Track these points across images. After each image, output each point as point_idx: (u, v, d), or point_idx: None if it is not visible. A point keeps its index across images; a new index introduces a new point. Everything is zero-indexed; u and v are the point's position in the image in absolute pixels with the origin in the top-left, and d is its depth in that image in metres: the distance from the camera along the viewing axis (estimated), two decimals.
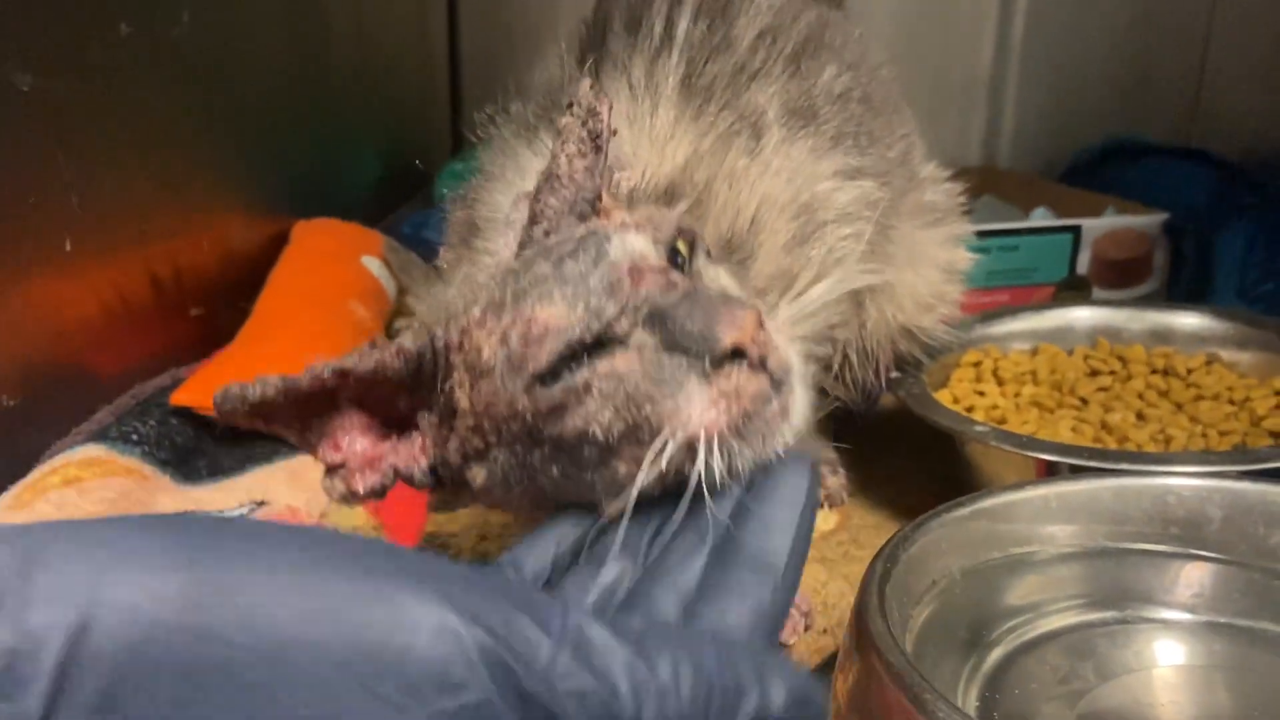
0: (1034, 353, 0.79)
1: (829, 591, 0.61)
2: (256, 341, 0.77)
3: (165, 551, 0.26)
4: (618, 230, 0.41)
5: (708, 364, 0.36)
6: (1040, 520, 0.52)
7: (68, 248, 0.68)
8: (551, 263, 0.39)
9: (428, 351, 0.40)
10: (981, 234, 0.99)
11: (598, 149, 0.43)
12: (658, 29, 0.60)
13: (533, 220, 0.43)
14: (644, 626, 0.29)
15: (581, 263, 0.39)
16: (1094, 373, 0.76)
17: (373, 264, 0.92)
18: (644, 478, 0.37)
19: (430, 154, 1.38)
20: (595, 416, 0.37)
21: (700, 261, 0.43)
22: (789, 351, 0.39)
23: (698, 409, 0.36)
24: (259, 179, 0.95)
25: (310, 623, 0.26)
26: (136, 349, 0.77)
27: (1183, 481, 0.52)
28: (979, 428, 0.64)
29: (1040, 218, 1.10)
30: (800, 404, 0.39)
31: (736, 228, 0.53)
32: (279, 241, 0.94)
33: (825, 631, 0.58)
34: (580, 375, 0.37)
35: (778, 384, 0.37)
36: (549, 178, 0.43)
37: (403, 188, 1.30)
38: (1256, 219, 0.96)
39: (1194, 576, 0.50)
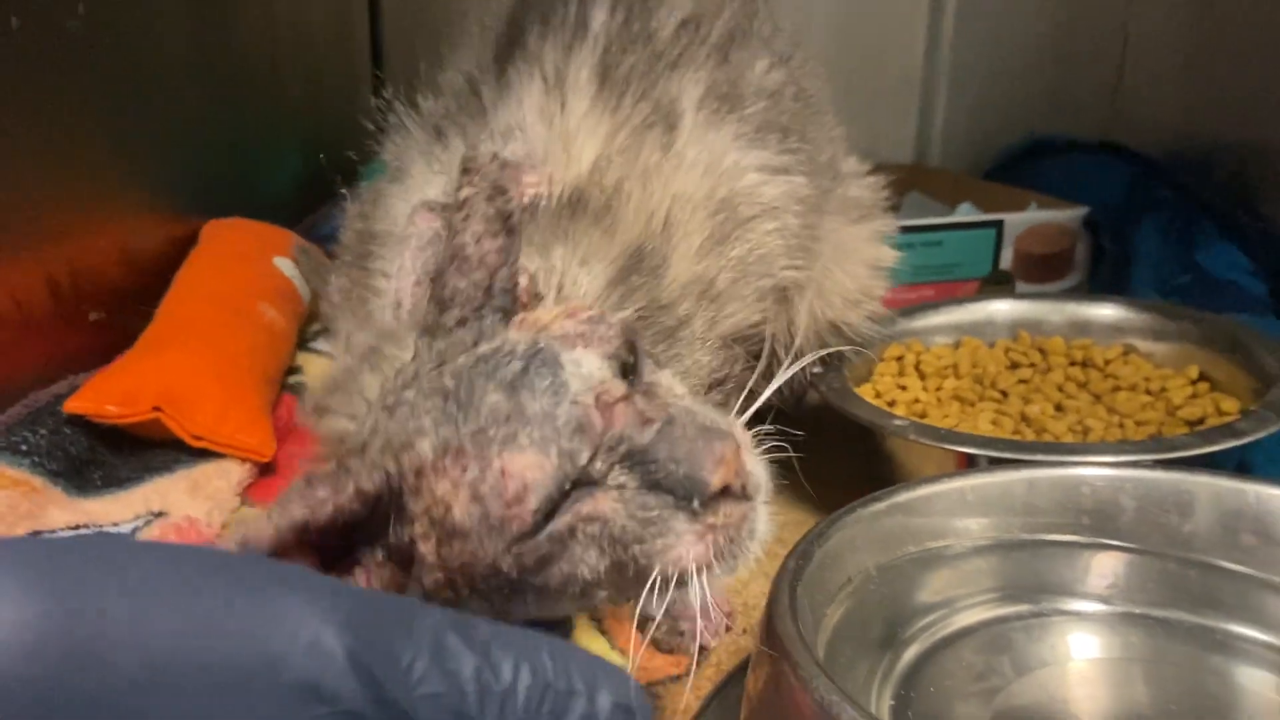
0: (956, 346, 0.79)
1: (750, 591, 0.59)
2: (159, 346, 0.73)
3: (23, 576, 0.25)
4: (562, 344, 0.39)
5: (696, 504, 0.37)
6: (955, 513, 0.51)
7: None
8: (503, 392, 0.37)
9: (385, 493, 0.38)
10: (906, 229, 0.99)
11: (509, 231, 0.41)
12: (572, 20, 0.58)
13: (440, 305, 0.41)
14: (490, 633, 0.30)
15: (540, 396, 0.37)
16: (1014, 365, 0.76)
17: (285, 264, 0.89)
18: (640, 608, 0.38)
19: (355, 149, 1.35)
20: (582, 559, 0.37)
21: (647, 370, 0.41)
22: (760, 470, 0.40)
23: (687, 545, 0.37)
24: (165, 177, 0.91)
25: (185, 639, 0.26)
26: (31, 355, 0.73)
27: (1096, 472, 0.52)
28: (898, 422, 0.63)
29: (965, 213, 1.11)
30: (765, 518, 0.40)
31: (650, 232, 0.51)
32: (187, 243, 0.91)
33: (745, 632, 0.57)
34: (563, 521, 0.37)
35: (752, 504, 0.39)
36: (455, 258, 0.41)
37: (327, 185, 1.26)
38: (1171, 212, 0.97)
39: (1108, 566, 0.50)
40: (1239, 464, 0.60)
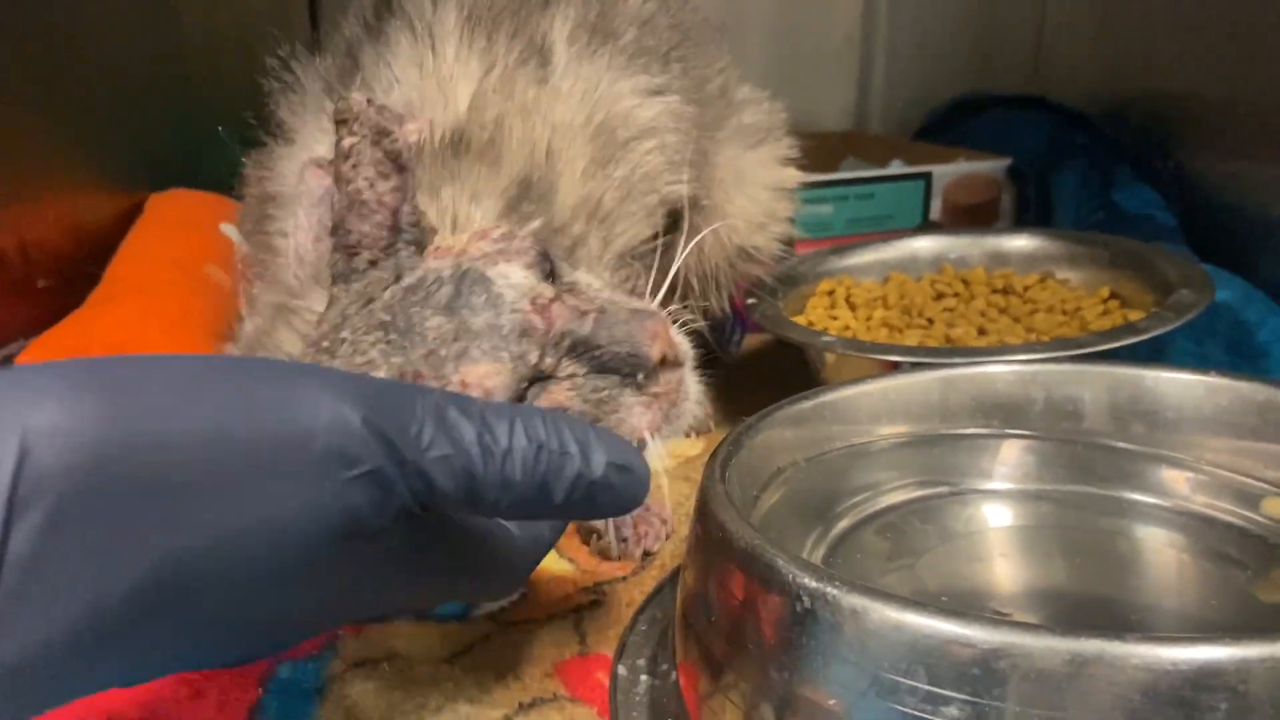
0: (885, 281, 0.83)
1: (690, 505, 0.62)
2: (106, 304, 0.75)
3: (79, 379, 0.27)
4: (484, 263, 0.41)
5: (640, 377, 0.40)
6: (878, 412, 0.54)
7: None
8: (443, 315, 0.39)
9: None
10: (840, 183, 1.04)
11: (401, 169, 0.42)
12: None
13: (348, 251, 0.42)
14: (484, 406, 0.33)
15: (480, 312, 0.39)
16: (939, 295, 0.79)
17: (231, 231, 0.90)
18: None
19: None
20: None
21: (565, 272, 0.44)
22: (684, 340, 0.43)
23: (639, 415, 0.41)
24: (111, 150, 0.92)
25: (227, 419, 0.28)
26: None
27: (1006, 368, 0.55)
28: (826, 338, 0.66)
29: (895, 168, 1.14)
30: (693, 380, 0.43)
31: (535, 163, 0.54)
32: (133, 214, 0.92)
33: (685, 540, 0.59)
34: None
35: (684, 370, 0.42)
36: (353, 204, 0.42)
37: None
38: (1089, 159, 1.02)
39: (1018, 453, 0.53)
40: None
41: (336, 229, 0.43)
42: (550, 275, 0.42)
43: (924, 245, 0.84)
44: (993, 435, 0.54)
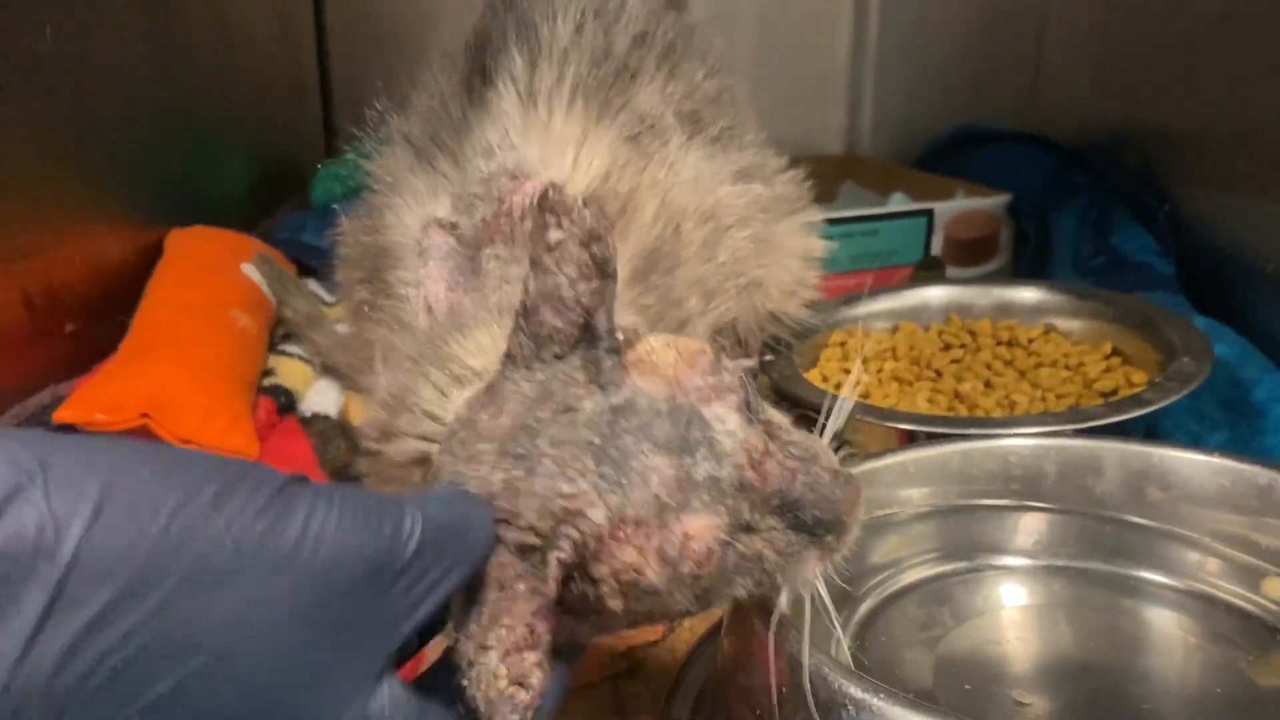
0: (894, 331, 0.85)
1: None
2: (140, 355, 0.76)
3: (150, 464, 0.28)
4: (699, 401, 0.40)
5: (830, 540, 0.41)
6: (899, 484, 0.57)
7: None
8: (664, 456, 0.39)
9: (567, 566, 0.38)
10: (844, 220, 1.06)
11: (605, 275, 0.41)
12: (544, 38, 0.61)
13: (536, 341, 0.41)
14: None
15: (702, 462, 0.39)
16: (947, 346, 0.82)
17: (253, 271, 0.92)
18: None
19: (304, 156, 1.38)
20: (740, 585, 0.41)
21: (761, 406, 0.43)
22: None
23: (813, 566, 0.42)
24: (129, 190, 0.94)
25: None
26: (12, 368, 0.76)
27: (1022, 442, 0.58)
28: (842, 401, 0.69)
29: (897, 203, 1.17)
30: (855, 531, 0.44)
31: (663, 237, 0.56)
32: (153, 252, 0.93)
33: None
34: (729, 562, 0.40)
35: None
36: (548, 296, 0.40)
37: (277, 191, 1.29)
38: (1088, 199, 1.05)
39: (1033, 526, 0.56)
40: (1147, 429, 0.67)
41: (528, 315, 0.41)
42: (752, 412, 0.42)
43: (933, 294, 0.87)
44: (1009, 507, 0.57)
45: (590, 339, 0.41)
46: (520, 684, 0.34)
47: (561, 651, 0.38)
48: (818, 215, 0.76)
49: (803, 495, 0.40)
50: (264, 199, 1.25)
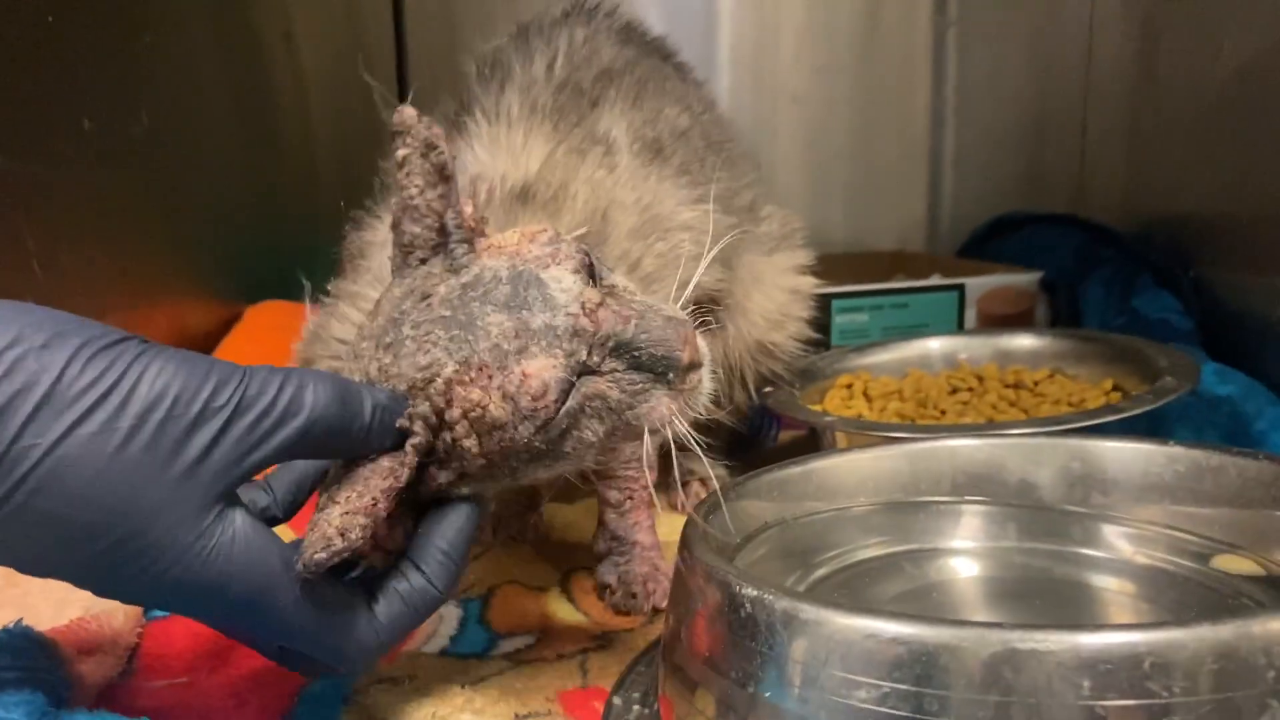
0: (903, 377, 0.88)
1: None
2: None
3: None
4: (537, 265, 0.47)
5: (670, 376, 0.46)
6: (854, 480, 0.60)
7: None
8: (504, 313, 0.45)
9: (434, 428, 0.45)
10: (876, 293, 1.10)
11: (446, 179, 0.48)
12: (515, 75, 0.71)
13: (405, 249, 0.48)
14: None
15: (537, 313, 0.45)
16: (954, 390, 0.84)
17: None
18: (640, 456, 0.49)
19: None
20: (590, 428, 0.46)
21: (605, 274, 0.50)
22: (704, 343, 0.49)
23: (665, 405, 0.47)
24: (214, 265, 1.05)
25: None
26: None
27: (966, 442, 0.60)
28: (827, 418, 0.72)
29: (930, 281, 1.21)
30: (709, 375, 0.49)
31: (591, 219, 0.62)
32: (233, 323, 1.04)
33: None
34: (573, 403, 0.46)
35: (702, 368, 0.48)
36: (405, 209, 0.48)
37: None
38: (1112, 269, 1.07)
39: (978, 518, 0.58)
40: None
41: (394, 228, 0.48)
42: (593, 277, 0.48)
43: (934, 345, 0.90)
44: (955, 502, 0.59)
45: (447, 240, 0.47)
46: (342, 534, 0.40)
47: (469, 499, 0.47)
48: (807, 257, 0.81)
49: (635, 336, 0.45)
50: None
